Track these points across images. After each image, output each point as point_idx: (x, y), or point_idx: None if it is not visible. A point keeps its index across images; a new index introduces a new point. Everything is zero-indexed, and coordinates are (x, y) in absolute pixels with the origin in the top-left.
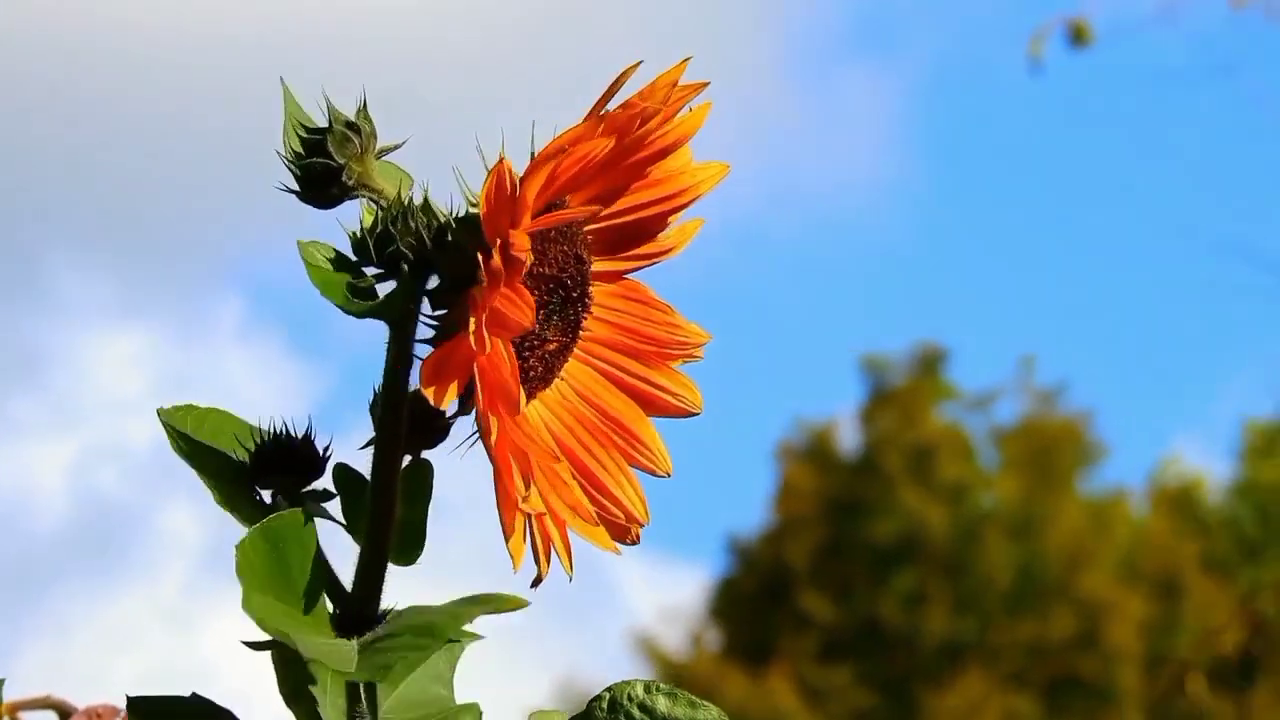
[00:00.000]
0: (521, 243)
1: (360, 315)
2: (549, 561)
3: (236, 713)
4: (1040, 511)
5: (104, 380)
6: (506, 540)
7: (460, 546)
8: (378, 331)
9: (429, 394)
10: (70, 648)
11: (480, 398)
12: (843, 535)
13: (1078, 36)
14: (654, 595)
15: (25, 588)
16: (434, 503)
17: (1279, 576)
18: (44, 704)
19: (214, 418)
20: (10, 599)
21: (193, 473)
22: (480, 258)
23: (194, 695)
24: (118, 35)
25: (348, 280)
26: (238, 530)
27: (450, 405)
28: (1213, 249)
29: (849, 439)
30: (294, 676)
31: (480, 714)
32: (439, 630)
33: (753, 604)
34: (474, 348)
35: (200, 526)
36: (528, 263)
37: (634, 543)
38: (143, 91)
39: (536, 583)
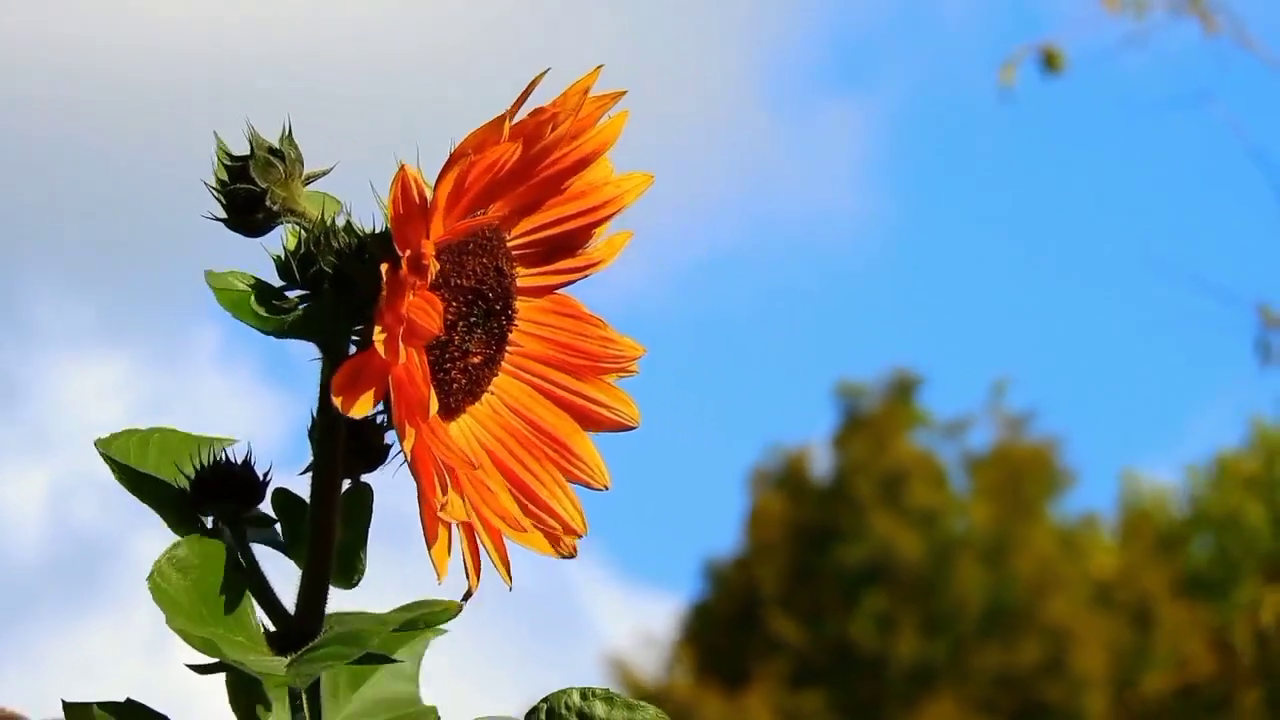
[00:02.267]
0: (428, 250)
1: (280, 334)
2: (479, 574)
3: None
4: (1011, 538)
5: (80, 407)
6: (429, 549)
7: (416, 569)
8: None
9: (338, 403)
10: (44, 676)
11: (395, 407)
12: (814, 560)
13: (1050, 63)
14: (628, 620)
15: None
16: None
17: (1246, 606)
18: None
19: (158, 438)
20: None
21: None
22: (385, 268)
23: (129, 700)
24: (98, 61)
25: (258, 301)
26: None
27: (384, 422)
28: (1182, 278)
29: (822, 465)
30: (245, 699)
31: (438, 717)
32: (365, 638)
33: (727, 629)
34: (383, 356)
35: None
36: (434, 270)
37: (569, 554)
38: (123, 116)
39: (467, 596)
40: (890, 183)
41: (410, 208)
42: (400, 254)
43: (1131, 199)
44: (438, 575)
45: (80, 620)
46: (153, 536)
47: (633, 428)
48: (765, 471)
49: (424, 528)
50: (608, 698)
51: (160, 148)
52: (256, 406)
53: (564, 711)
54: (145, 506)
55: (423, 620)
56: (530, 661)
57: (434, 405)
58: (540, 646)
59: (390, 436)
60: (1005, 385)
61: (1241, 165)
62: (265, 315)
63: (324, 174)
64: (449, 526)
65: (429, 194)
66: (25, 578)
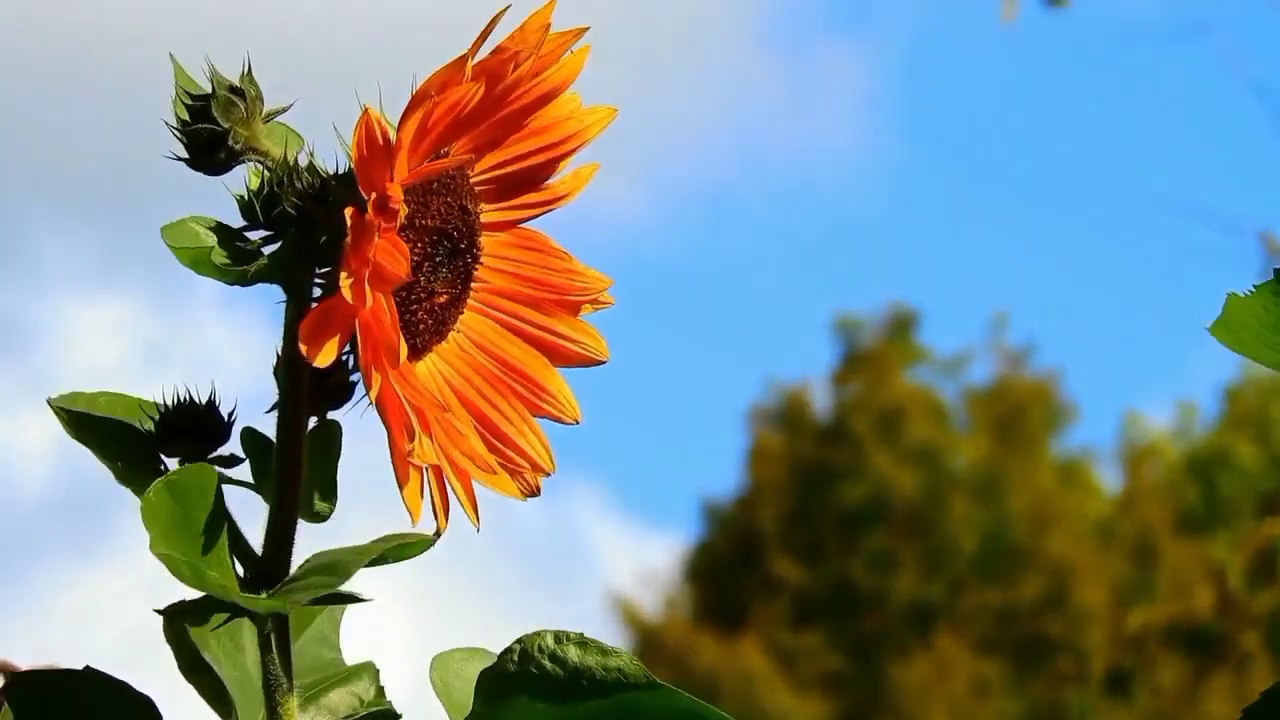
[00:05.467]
0: (395, 194)
1: (244, 282)
2: (448, 515)
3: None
4: (1011, 473)
5: (83, 349)
6: (401, 491)
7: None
8: None
9: (305, 350)
10: (51, 619)
11: (362, 352)
12: (814, 498)
13: None
14: (631, 559)
15: (6, 559)
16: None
17: (1241, 545)
18: None
19: (104, 401)
20: None
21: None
22: (351, 211)
23: (87, 668)
24: (104, 1)
25: (221, 252)
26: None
27: (350, 361)
28: (1183, 210)
29: (822, 402)
30: (189, 650)
31: (377, 673)
32: (344, 568)
33: (726, 568)
34: (350, 303)
35: None
36: (402, 213)
37: (534, 493)
38: (126, 56)
39: (436, 536)
40: (890, 119)
41: (374, 150)
42: (365, 197)
43: (1132, 133)
44: (411, 517)
45: (85, 564)
46: None
47: (602, 362)
48: (765, 409)
49: (395, 470)
50: (581, 642)
51: (164, 84)
52: (259, 349)
53: (537, 654)
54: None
55: (396, 554)
56: (532, 599)
57: (404, 351)
58: (542, 585)
59: (355, 375)
60: (1005, 319)
61: (1242, 97)
62: (226, 268)
63: (284, 110)
64: (420, 469)
65: (393, 136)
66: (29, 519)
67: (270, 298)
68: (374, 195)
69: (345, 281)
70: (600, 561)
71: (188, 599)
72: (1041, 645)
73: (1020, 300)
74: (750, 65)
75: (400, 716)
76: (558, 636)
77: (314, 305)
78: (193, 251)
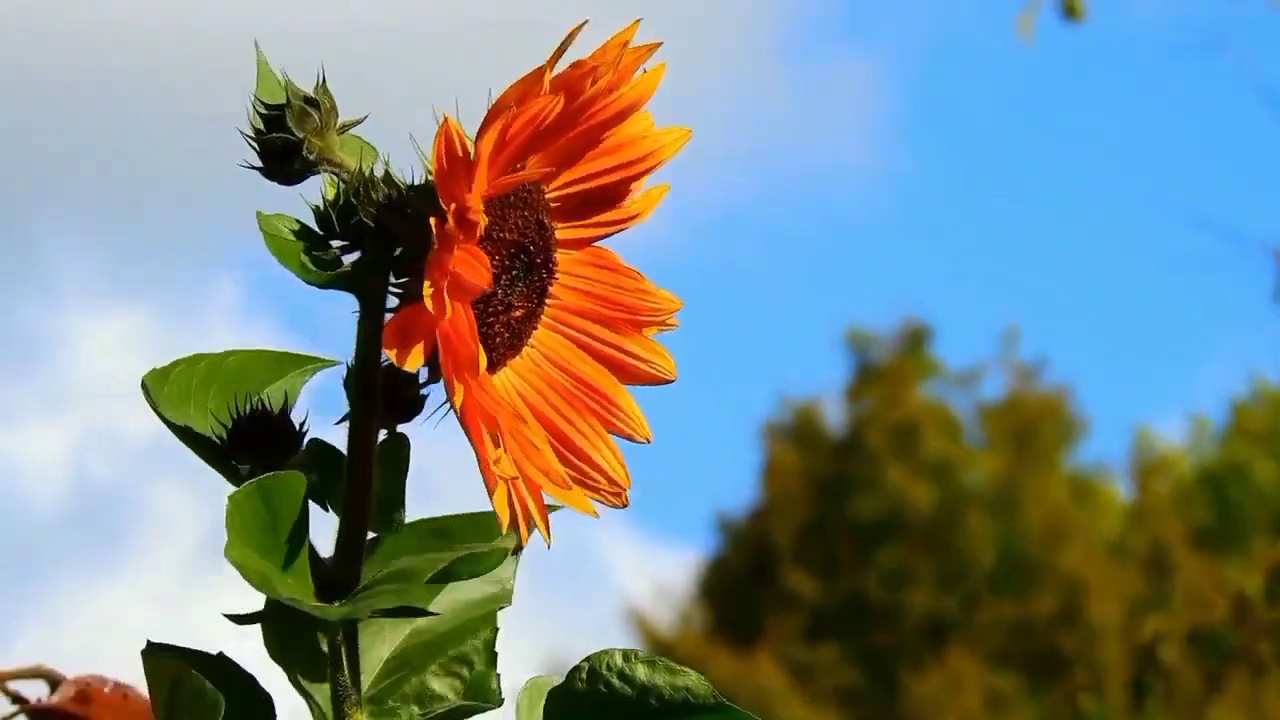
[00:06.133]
0: (475, 204)
1: (322, 285)
2: (529, 529)
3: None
4: (1024, 488)
5: (98, 362)
6: (490, 498)
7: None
8: None
9: (392, 356)
10: (64, 631)
11: (444, 362)
12: (828, 513)
13: (1070, 11)
14: (646, 573)
15: (20, 571)
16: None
17: (1257, 560)
18: (35, 674)
19: (232, 360)
20: (5, 582)
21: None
22: (434, 222)
23: (220, 654)
24: (111, 12)
25: (309, 252)
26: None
27: (420, 374)
28: (1195, 224)
29: (835, 417)
30: (284, 648)
31: (492, 637)
32: (416, 574)
33: (740, 582)
34: (432, 312)
35: (194, 510)
36: (481, 224)
37: (624, 505)
38: (137, 68)
39: (518, 550)
40: (901, 133)
41: (454, 162)
42: (445, 208)
43: (1144, 146)
44: (502, 525)
45: (100, 575)
46: (171, 492)
47: (670, 381)
48: (778, 424)
49: (483, 478)
50: (650, 661)
51: (176, 100)
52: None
53: (605, 672)
54: (163, 464)
55: (466, 568)
56: (548, 613)
57: (484, 361)
58: (558, 599)
59: (426, 389)
60: (1017, 334)
61: (1256, 110)
62: (311, 267)
63: (358, 123)
64: (505, 480)
65: (471, 147)
66: (44, 532)
67: (281, 310)
68: (454, 206)
69: (427, 291)
70: (615, 575)
71: (262, 608)
72: (1055, 659)
73: (1032, 314)
74: (762, 79)
75: (502, 701)
76: (626, 655)
77: (392, 313)
78: (282, 242)
